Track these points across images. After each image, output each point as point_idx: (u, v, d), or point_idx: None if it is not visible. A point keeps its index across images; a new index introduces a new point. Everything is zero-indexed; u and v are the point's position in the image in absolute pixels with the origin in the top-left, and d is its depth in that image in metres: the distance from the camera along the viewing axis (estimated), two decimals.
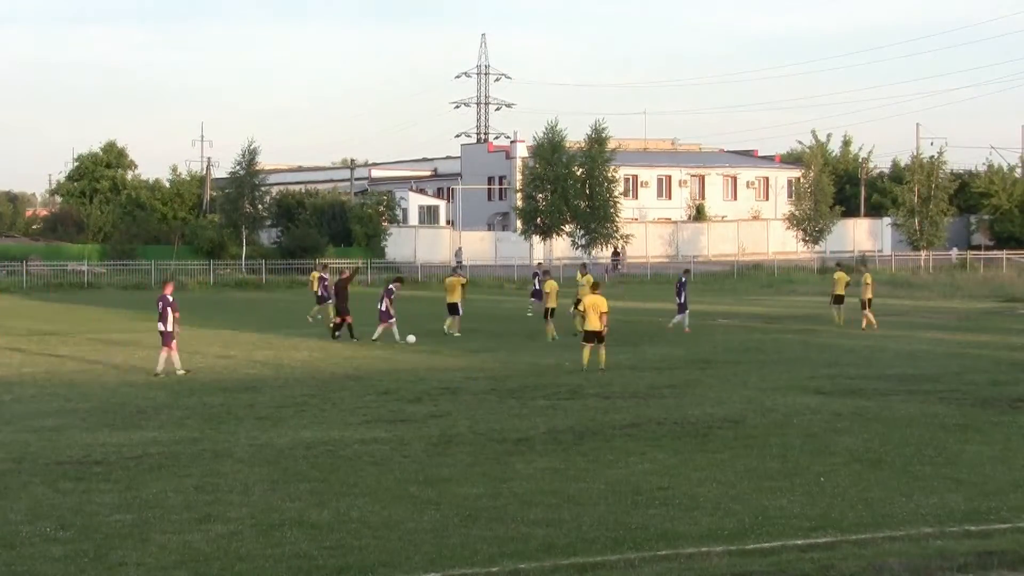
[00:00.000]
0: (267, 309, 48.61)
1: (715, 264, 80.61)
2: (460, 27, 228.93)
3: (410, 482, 14.43)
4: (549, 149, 73.77)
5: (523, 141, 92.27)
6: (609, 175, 74.43)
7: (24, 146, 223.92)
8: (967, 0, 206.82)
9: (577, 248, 74.95)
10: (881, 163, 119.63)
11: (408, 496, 13.67)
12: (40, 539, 11.79)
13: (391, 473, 15.01)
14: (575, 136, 77.33)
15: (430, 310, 46.90)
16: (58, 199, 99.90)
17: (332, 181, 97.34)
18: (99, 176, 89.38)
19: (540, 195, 74.09)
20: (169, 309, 26.15)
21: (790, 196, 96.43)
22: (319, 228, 76.28)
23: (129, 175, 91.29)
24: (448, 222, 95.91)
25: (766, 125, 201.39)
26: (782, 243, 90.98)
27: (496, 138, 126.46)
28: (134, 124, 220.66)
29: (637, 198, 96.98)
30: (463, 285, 37.72)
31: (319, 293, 40.70)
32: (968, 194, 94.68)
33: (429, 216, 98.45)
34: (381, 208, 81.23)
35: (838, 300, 40.06)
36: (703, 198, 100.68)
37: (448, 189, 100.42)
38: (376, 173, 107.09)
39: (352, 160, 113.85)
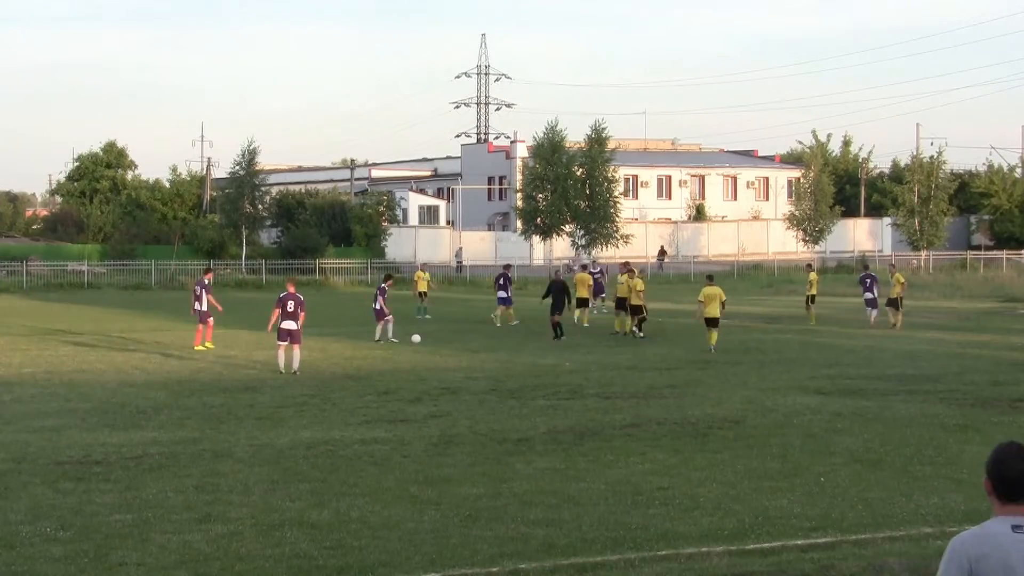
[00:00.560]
0: (267, 309, 48.49)
1: (715, 264, 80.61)
2: (460, 27, 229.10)
3: (410, 482, 14.42)
4: (549, 149, 73.80)
5: (523, 141, 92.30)
6: (609, 175, 74.46)
7: (24, 146, 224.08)
8: (967, 0, 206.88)
9: (577, 248, 74.99)
10: (881, 163, 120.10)
11: (408, 496, 13.66)
12: (40, 539, 11.78)
13: (391, 473, 15.01)
14: (575, 136, 77.48)
15: (431, 309, 46.95)
16: (58, 199, 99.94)
17: (332, 181, 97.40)
18: (99, 176, 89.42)
19: (540, 195, 74.12)
20: (299, 308, 26.49)
21: (790, 196, 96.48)
22: (319, 228, 76.31)
23: (129, 175, 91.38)
24: (448, 222, 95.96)
25: (766, 125, 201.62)
26: (782, 243, 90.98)
27: (496, 138, 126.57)
28: (134, 124, 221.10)
29: (637, 198, 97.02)
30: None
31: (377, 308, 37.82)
32: (968, 194, 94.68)
33: (429, 216, 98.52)
34: (381, 208, 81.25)
35: (811, 300, 41.19)
36: (703, 198, 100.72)
37: (448, 189, 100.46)
38: (376, 173, 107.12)
39: (352, 160, 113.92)
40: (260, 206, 75.00)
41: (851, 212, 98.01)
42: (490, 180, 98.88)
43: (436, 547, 11.43)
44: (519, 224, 79.02)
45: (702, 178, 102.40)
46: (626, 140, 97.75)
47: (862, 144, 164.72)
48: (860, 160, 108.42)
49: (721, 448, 16.62)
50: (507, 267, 43.75)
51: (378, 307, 33.87)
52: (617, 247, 72.89)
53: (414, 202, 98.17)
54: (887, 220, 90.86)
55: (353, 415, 19.86)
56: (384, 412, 20.19)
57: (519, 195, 77.45)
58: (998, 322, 41.31)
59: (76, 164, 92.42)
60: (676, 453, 16.30)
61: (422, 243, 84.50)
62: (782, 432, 18.00)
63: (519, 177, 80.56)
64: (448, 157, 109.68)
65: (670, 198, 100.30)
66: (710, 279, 33.44)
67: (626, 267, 38.01)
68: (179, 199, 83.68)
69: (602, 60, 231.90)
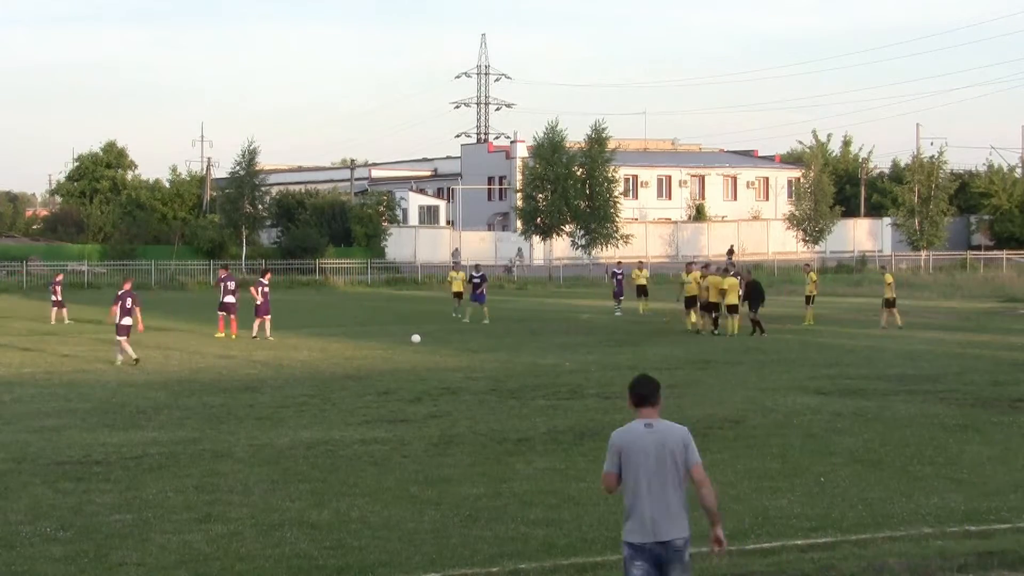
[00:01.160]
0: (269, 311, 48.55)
1: (715, 264, 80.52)
2: (460, 27, 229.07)
3: (410, 482, 14.43)
4: (549, 149, 73.81)
5: (523, 141, 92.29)
6: (609, 175, 74.47)
7: (24, 146, 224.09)
8: (967, 0, 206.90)
9: (577, 248, 74.93)
10: (881, 163, 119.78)
11: (408, 496, 13.67)
12: (40, 539, 11.79)
13: (391, 473, 15.01)
14: (575, 136, 77.48)
15: (431, 309, 46.99)
16: (58, 199, 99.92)
17: (332, 181, 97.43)
18: (99, 176, 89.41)
19: (540, 195, 74.12)
20: (135, 304, 28.60)
21: (790, 196, 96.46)
22: (319, 228, 76.31)
23: (129, 175, 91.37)
24: (448, 222, 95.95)
25: (766, 125, 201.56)
26: (782, 243, 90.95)
27: (496, 138, 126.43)
28: (134, 124, 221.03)
29: (637, 198, 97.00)
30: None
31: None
32: (968, 194, 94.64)
33: (429, 216, 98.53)
34: (381, 208, 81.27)
35: (810, 300, 41.40)
36: (703, 198, 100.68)
37: (448, 189, 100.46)
38: (376, 173, 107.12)
39: (352, 160, 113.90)
40: (260, 206, 75.03)
41: (851, 212, 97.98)
42: (490, 180, 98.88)
43: (436, 547, 11.43)
44: (519, 224, 79.01)
45: (702, 178, 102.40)
46: (626, 140, 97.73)
47: (862, 144, 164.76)
48: (860, 160, 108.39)
49: (721, 448, 16.60)
50: (476, 267, 45.33)
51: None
52: (617, 247, 72.89)
53: (414, 202, 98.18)
54: (887, 220, 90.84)
55: (353, 415, 19.87)
56: (384, 412, 20.19)
57: (519, 195, 77.47)
58: (998, 322, 41.31)
59: (76, 164, 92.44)
60: None
61: (422, 243, 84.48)
62: (782, 432, 17.99)
63: (519, 177, 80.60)
64: (448, 157, 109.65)
65: (670, 198, 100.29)
66: (730, 268, 34.28)
67: (702, 266, 40.01)
68: (179, 199, 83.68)
69: (602, 60, 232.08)
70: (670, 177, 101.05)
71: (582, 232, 73.99)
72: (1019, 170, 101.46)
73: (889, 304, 38.80)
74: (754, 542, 11.57)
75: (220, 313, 35.54)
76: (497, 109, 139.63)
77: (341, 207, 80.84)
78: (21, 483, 14.48)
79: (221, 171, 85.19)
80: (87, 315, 42.75)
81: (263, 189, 75.87)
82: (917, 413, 19.91)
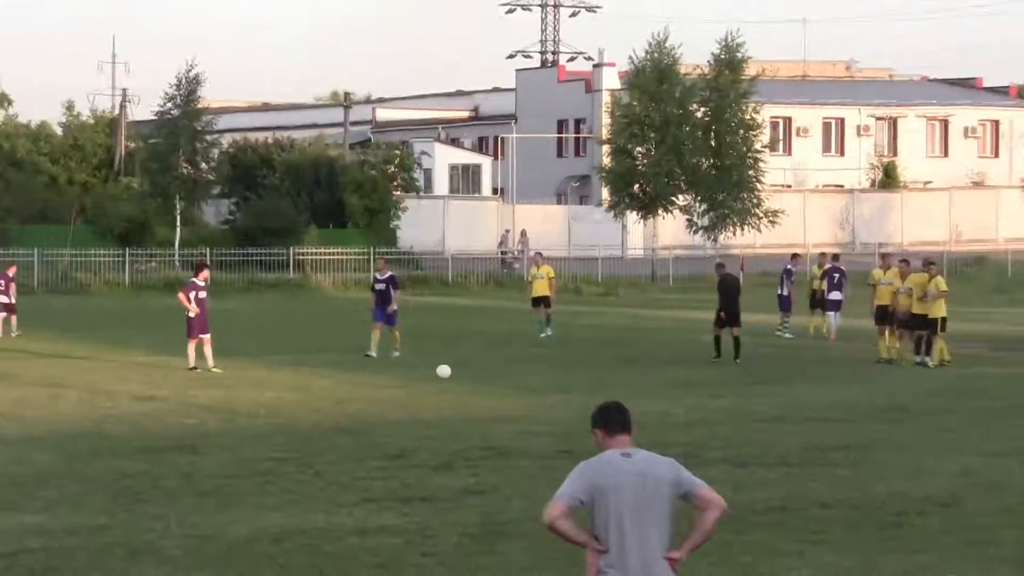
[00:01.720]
0: (215, 326, 48.73)
1: (913, 256, 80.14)
2: None
3: None
4: (654, 77, 73.73)
5: (613, 64, 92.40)
6: (748, 117, 74.39)
7: None
8: None
9: (695, 232, 74.61)
10: None
11: None
12: None
13: None
14: (694, 57, 77.37)
15: (471, 325, 46.94)
16: None
17: (316, 126, 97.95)
18: None
19: (639, 149, 74.13)
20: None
21: None
22: (295, 199, 76.53)
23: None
24: (496, 190, 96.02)
25: (995, 41, 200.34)
26: (1021, 225, 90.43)
27: (571, 60, 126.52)
28: (6, 40, 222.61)
29: (791, 154, 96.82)
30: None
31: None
32: None
33: (466, 181, 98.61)
34: (391, 169, 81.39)
35: None
36: (895, 153, 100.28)
37: (496, 139, 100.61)
38: (383, 114, 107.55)
39: (347, 94, 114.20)
40: (204, 164, 75.42)
41: None
42: (561, 126, 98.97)
43: None
44: (605, 194, 78.98)
45: (893, 122, 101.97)
46: (775, 63, 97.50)
47: None
48: None
49: (924, 544, 16.55)
50: (384, 260, 43.89)
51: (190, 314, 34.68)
52: (759, 230, 72.71)
53: (442, 158, 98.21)
54: None
55: (347, 490, 19.92)
56: (395, 486, 20.24)
57: (606, 149, 77.47)
58: None
59: None
60: (852, 552, 16.25)
61: (454, 222, 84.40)
62: (1017, 521, 17.88)
63: (607, 121, 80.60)
64: (496, 89, 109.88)
65: (842, 154, 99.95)
66: (930, 264, 34.52)
67: (899, 260, 40.00)
68: (78, 153, 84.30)
69: None
70: (843, 120, 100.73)
71: (704, 207, 73.85)
72: None
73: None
74: None
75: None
76: (573, 14, 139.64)
77: (329, 167, 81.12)
78: None
79: (143, 110, 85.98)
80: None
81: (209, 139, 76.30)
82: None
